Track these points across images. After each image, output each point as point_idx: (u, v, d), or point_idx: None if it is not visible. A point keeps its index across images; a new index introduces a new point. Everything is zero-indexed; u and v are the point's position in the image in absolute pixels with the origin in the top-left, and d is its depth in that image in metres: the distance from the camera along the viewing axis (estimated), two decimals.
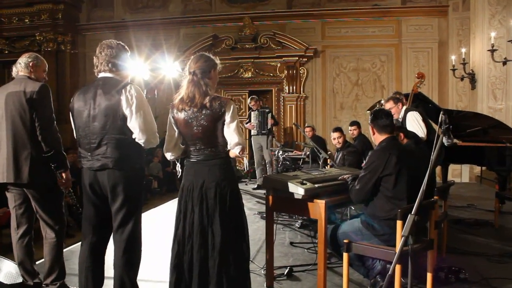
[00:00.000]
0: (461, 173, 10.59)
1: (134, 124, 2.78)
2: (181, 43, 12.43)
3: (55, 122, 3.21)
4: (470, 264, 3.94)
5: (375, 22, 11.82)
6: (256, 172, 8.53)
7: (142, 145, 2.86)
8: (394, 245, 2.81)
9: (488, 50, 8.06)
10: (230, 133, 2.75)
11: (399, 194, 2.88)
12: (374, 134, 3.14)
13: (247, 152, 10.58)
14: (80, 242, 3.10)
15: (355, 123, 6.81)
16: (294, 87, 12.17)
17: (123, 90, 2.78)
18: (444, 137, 2.19)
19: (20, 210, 3.26)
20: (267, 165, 8.43)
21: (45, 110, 3.14)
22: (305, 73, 12.20)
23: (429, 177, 3.12)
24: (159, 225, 5.57)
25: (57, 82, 11.88)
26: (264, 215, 5.74)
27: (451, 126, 4.79)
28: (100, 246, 2.95)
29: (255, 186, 8.52)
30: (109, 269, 2.99)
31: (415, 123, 4.83)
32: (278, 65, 12.15)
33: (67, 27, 12.37)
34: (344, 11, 11.88)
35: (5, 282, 3.30)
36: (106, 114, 2.78)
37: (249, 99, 9.03)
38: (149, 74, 10.92)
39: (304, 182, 3.07)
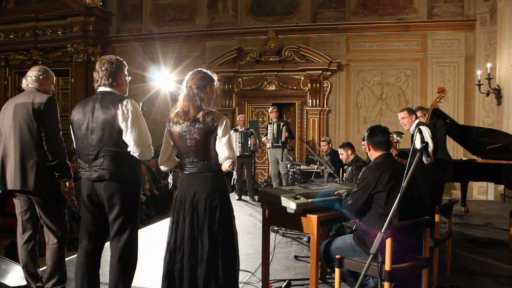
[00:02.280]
0: (487, 191, 10.32)
1: (129, 138, 2.88)
2: (206, 55, 12.66)
3: (60, 132, 3.35)
4: (475, 284, 3.86)
5: (400, 36, 11.73)
6: (273, 185, 8.56)
7: (137, 157, 2.95)
8: (377, 262, 2.79)
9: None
10: (221, 147, 2.83)
11: (391, 211, 2.86)
12: (369, 150, 3.15)
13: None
14: None
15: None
16: (318, 101, 12.16)
17: (119, 104, 2.89)
18: (423, 156, 2.18)
19: (25, 216, 3.41)
20: (282, 178, 8.46)
21: (51, 121, 3.30)
22: (329, 87, 12.17)
23: (426, 195, 3.13)
24: (162, 235, 5.66)
25: (86, 92, 12.26)
26: (275, 228, 5.81)
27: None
28: (96, 252, 3.05)
29: None
30: (103, 276, 3.09)
31: (424, 137, 4.79)
32: (302, 78, 12.18)
33: (97, 39, 12.79)
34: (368, 25, 11.83)
35: (10, 284, 3.45)
36: (103, 127, 2.90)
37: (270, 109, 9.13)
38: (175, 85, 11.17)
39: (298, 196, 3.10)
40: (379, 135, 3.09)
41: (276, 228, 5.77)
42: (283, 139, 8.31)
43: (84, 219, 3.05)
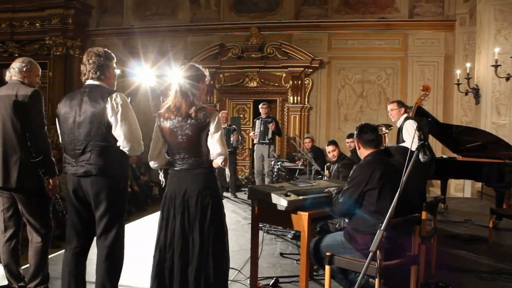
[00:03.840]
0: (464, 188, 10.52)
1: (119, 132, 2.81)
2: (188, 50, 12.54)
3: (45, 127, 3.26)
4: (458, 280, 3.91)
5: (381, 34, 11.81)
6: (256, 181, 8.54)
7: (127, 152, 2.88)
8: (376, 260, 2.80)
9: (492, 66, 8.04)
10: (213, 144, 2.80)
11: (382, 208, 2.87)
12: (359, 148, 3.16)
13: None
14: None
15: (352, 136, 6.81)
16: (299, 98, 12.19)
17: (108, 98, 2.81)
18: (420, 153, 2.19)
19: (7, 214, 3.31)
20: (265, 175, 8.45)
21: (35, 115, 3.19)
22: (310, 84, 12.22)
23: (413, 192, 3.15)
24: (145, 232, 5.59)
25: (64, 86, 12.03)
26: (259, 225, 5.80)
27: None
28: (83, 251, 2.97)
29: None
30: (89, 275, 3.02)
31: (411, 132, 4.86)
32: (284, 75, 12.20)
33: (76, 32, 12.53)
34: (350, 23, 11.89)
35: None
36: (91, 121, 2.82)
37: (260, 104, 9.04)
38: (155, 80, 11.04)
39: (288, 193, 3.09)
40: (369, 133, 3.10)
41: (260, 225, 5.75)
42: (270, 136, 8.28)
43: (70, 217, 2.97)
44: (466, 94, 10.07)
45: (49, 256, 3.53)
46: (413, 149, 4.88)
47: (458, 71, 9.97)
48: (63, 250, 3.06)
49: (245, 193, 9.21)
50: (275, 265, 4.30)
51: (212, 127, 2.81)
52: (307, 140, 8.17)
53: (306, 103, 12.23)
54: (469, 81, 9.52)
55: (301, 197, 3.10)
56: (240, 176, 11.65)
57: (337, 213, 3.08)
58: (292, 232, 5.31)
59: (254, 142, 8.67)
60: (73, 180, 2.89)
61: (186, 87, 2.87)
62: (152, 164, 3.00)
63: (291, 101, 12.20)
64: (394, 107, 5.23)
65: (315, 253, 3.15)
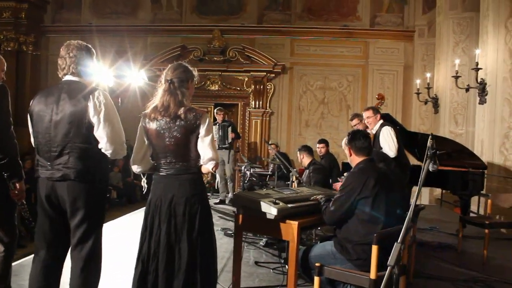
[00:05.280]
0: (421, 195, 10.77)
1: (101, 133, 2.59)
2: (148, 51, 12.22)
3: (12, 126, 2.96)
4: None
5: (343, 42, 12.00)
6: (219, 186, 8.34)
7: (109, 156, 2.67)
8: (368, 271, 2.72)
9: (453, 76, 8.27)
10: (204, 148, 2.63)
11: (376, 218, 2.80)
12: (350, 155, 3.06)
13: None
14: (31, 255, 2.85)
15: (323, 141, 6.78)
16: (261, 102, 12.15)
17: (90, 96, 2.59)
18: (430, 163, 2.12)
19: None
20: (228, 180, 8.29)
21: (1, 113, 2.90)
22: (272, 89, 12.22)
23: (405, 200, 3.10)
24: (118, 239, 5.29)
25: (16, 84, 11.37)
26: (228, 232, 5.62)
27: (437, 152, 4.83)
28: (55, 263, 2.70)
29: (217, 200, 8.33)
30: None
31: (389, 138, 4.87)
32: (246, 79, 12.13)
33: (30, 27, 11.90)
34: (313, 29, 12.00)
35: None
36: (70, 121, 2.58)
37: (215, 110, 8.83)
38: (114, 81, 10.62)
39: (277, 201, 2.95)
40: (361, 139, 3.01)
41: (230, 232, 5.59)
42: (229, 140, 8.10)
43: (41, 226, 2.69)
44: (426, 103, 10.33)
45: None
46: (392, 156, 4.95)
47: (418, 81, 10.21)
48: (29, 258, 2.77)
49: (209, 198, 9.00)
50: (252, 274, 4.14)
51: (202, 130, 2.63)
52: (273, 146, 8.06)
53: (267, 108, 12.20)
54: (429, 90, 9.77)
55: (289, 205, 2.97)
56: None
57: (328, 222, 2.97)
58: (264, 239, 5.18)
59: None
60: (46, 185, 2.63)
61: (175, 85, 2.67)
62: (135, 168, 2.79)
63: (253, 106, 12.14)
64: (370, 115, 5.23)
65: (302, 263, 3.03)
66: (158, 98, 2.71)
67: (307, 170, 5.67)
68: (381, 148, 4.97)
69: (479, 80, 7.71)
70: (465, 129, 9.54)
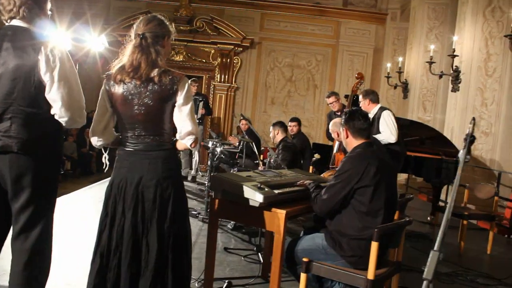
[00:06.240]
0: None
1: (55, 96, 2.08)
2: (109, 15, 11.41)
3: None
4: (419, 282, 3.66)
5: (315, 20, 11.65)
6: (182, 162, 7.85)
7: (63, 124, 2.16)
8: (363, 269, 2.40)
9: (427, 62, 8.09)
10: (182, 119, 2.17)
11: (375, 210, 2.45)
12: (347, 137, 2.68)
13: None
14: None
15: (295, 120, 6.42)
16: (226, 77, 11.69)
17: (42, 47, 2.07)
18: (465, 152, 1.76)
19: None
20: (193, 156, 7.85)
21: None
22: (239, 63, 11.78)
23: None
24: (73, 219, 4.76)
25: None
26: (193, 212, 5.19)
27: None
28: None
29: None
30: None
31: (390, 122, 4.58)
32: (212, 51, 11.62)
33: None
34: (285, 4, 11.57)
35: None
36: (14, 77, 2.05)
37: (189, 81, 8.25)
38: (72, 44, 9.79)
39: (261, 186, 2.55)
40: (361, 119, 2.63)
41: (195, 213, 5.17)
42: (199, 116, 7.59)
43: None
44: (395, 87, 10.17)
45: None
46: (393, 141, 4.65)
47: (388, 64, 10.02)
48: None
49: None
50: (222, 263, 3.74)
51: (180, 98, 2.16)
52: (243, 122, 7.63)
53: (233, 82, 11.79)
54: (400, 75, 9.59)
55: (276, 191, 2.58)
56: None
57: (319, 212, 2.60)
58: (232, 222, 4.79)
59: None
60: None
61: (147, 42, 2.16)
62: (95, 141, 2.27)
63: (218, 80, 11.69)
64: (363, 100, 4.87)
65: (287, 257, 2.66)
66: (126, 57, 2.18)
67: (278, 148, 5.27)
68: (379, 132, 4.64)
69: (454, 67, 7.54)
70: (433, 115, 9.45)
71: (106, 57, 9.34)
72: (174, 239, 2.16)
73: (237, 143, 6.49)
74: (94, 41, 9.59)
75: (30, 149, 2.09)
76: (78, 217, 4.80)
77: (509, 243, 5.73)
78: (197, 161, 8.05)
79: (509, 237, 5.92)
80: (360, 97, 4.92)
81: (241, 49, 11.66)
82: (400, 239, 2.67)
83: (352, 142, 2.66)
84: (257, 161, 5.83)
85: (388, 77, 9.91)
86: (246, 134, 7.20)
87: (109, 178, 2.28)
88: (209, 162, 5.28)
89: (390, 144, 4.60)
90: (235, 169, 5.24)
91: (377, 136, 4.57)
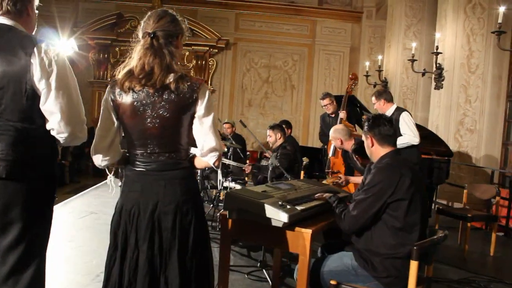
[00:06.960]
0: None
1: (52, 107, 1.77)
2: (79, 18, 10.94)
3: None
4: None
5: (290, 19, 11.50)
6: None
7: (61, 141, 1.84)
8: None
9: (409, 60, 8.01)
10: (204, 133, 1.87)
11: (410, 225, 2.24)
12: (372, 145, 2.45)
13: None
14: None
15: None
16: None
17: (35, 49, 1.75)
18: None
19: None
20: None
21: None
22: (214, 65, 11.52)
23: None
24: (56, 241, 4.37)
25: None
26: None
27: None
28: None
29: None
30: None
31: (411, 124, 4.39)
32: (187, 53, 11.29)
33: None
34: (259, 4, 11.39)
35: None
36: (1, 86, 1.74)
37: None
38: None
39: (283, 203, 2.29)
40: (387, 125, 2.41)
41: None
42: None
43: None
44: (374, 86, 10.09)
45: None
46: (416, 143, 4.44)
47: (367, 63, 9.93)
48: None
49: None
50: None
51: (201, 108, 1.85)
52: (226, 126, 7.34)
53: (209, 85, 11.43)
54: (380, 73, 9.52)
55: (299, 208, 2.34)
56: None
57: (347, 230, 2.37)
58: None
59: None
60: None
61: (159, 42, 1.84)
62: (99, 160, 1.94)
63: None
64: (374, 101, 4.67)
65: (312, 279, 2.42)
66: (134, 60, 1.85)
67: (275, 153, 5.01)
68: (401, 135, 4.40)
69: (437, 64, 7.49)
70: (413, 114, 9.41)
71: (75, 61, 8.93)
72: (196, 271, 1.87)
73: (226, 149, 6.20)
74: (63, 45, 9.14)
75: (20, 174, 1.77)
76: (61, 239, 4.41)
77: (506, 242, 5.64)
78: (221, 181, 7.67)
79: (505, 235, 5.84)
80: (373, 98, 4.72)
81: (216, 50, 11.41)
82: (433, 255, 2.47)
83: (379, 151, 2.43)
84: (243, 167, 5.59)
85: (367, 76, 9.83)
86: (232, 138, 6.92)
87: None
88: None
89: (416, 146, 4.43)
90: (229, 178, 4.96)
91: (399, 139, 4.33)
